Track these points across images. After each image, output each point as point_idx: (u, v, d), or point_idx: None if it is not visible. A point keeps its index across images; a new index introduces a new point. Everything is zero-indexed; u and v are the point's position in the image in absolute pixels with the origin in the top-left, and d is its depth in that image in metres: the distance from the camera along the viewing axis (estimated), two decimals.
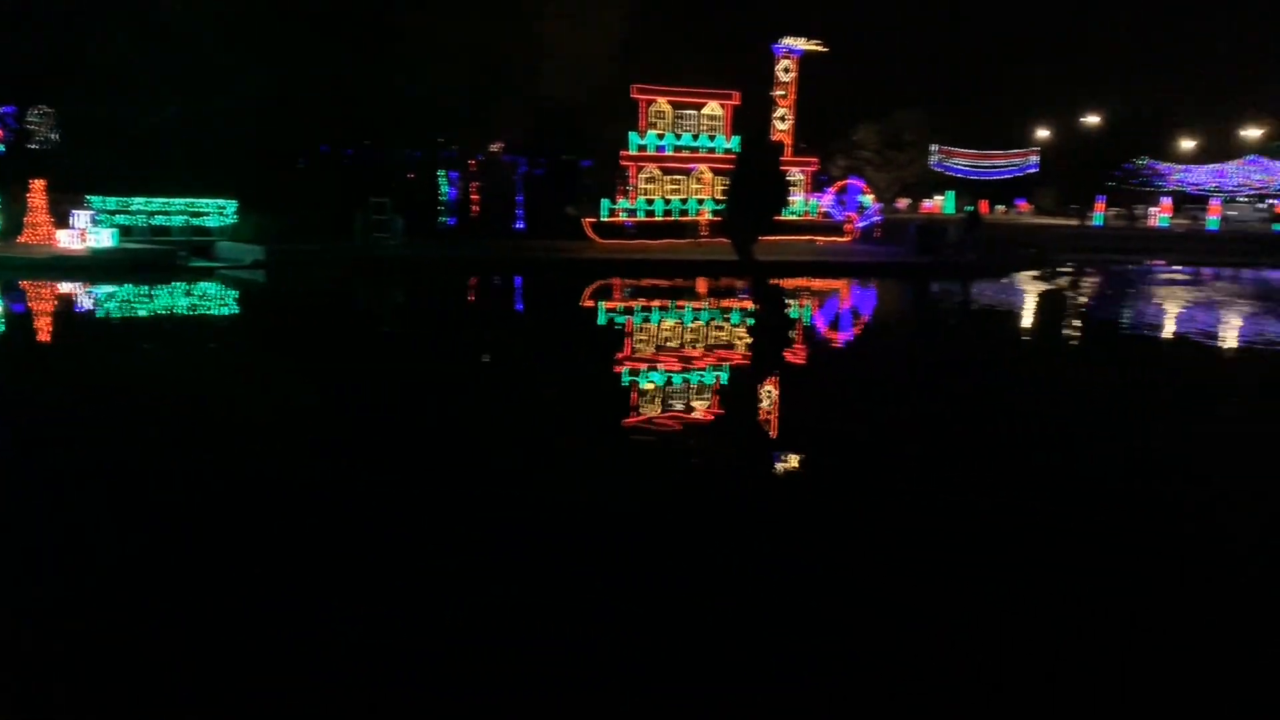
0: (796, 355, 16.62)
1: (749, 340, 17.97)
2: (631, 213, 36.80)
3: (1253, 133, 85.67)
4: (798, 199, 39.84)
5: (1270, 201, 75.09)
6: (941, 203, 77.15)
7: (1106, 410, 12.77)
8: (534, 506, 8.01)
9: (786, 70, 39.93)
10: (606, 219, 36.33)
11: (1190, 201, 74.57)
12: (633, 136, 37.38)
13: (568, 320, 21.22)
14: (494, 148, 50.55)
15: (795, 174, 40.05)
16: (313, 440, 10.27)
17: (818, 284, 28.83)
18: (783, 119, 40.14)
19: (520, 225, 39.10)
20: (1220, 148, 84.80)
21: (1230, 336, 20.25)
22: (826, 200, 40.74)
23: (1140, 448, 10.72)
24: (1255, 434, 11.69)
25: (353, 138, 44.87)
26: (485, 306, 24.12)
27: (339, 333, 18.61)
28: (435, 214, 39.01)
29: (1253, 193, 75.02)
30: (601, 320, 21.17)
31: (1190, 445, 11.12)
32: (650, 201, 37.18)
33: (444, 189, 39.90)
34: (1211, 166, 76.05)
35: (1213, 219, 60.54)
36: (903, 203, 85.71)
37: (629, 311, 22.25)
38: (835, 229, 39.97)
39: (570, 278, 27.90)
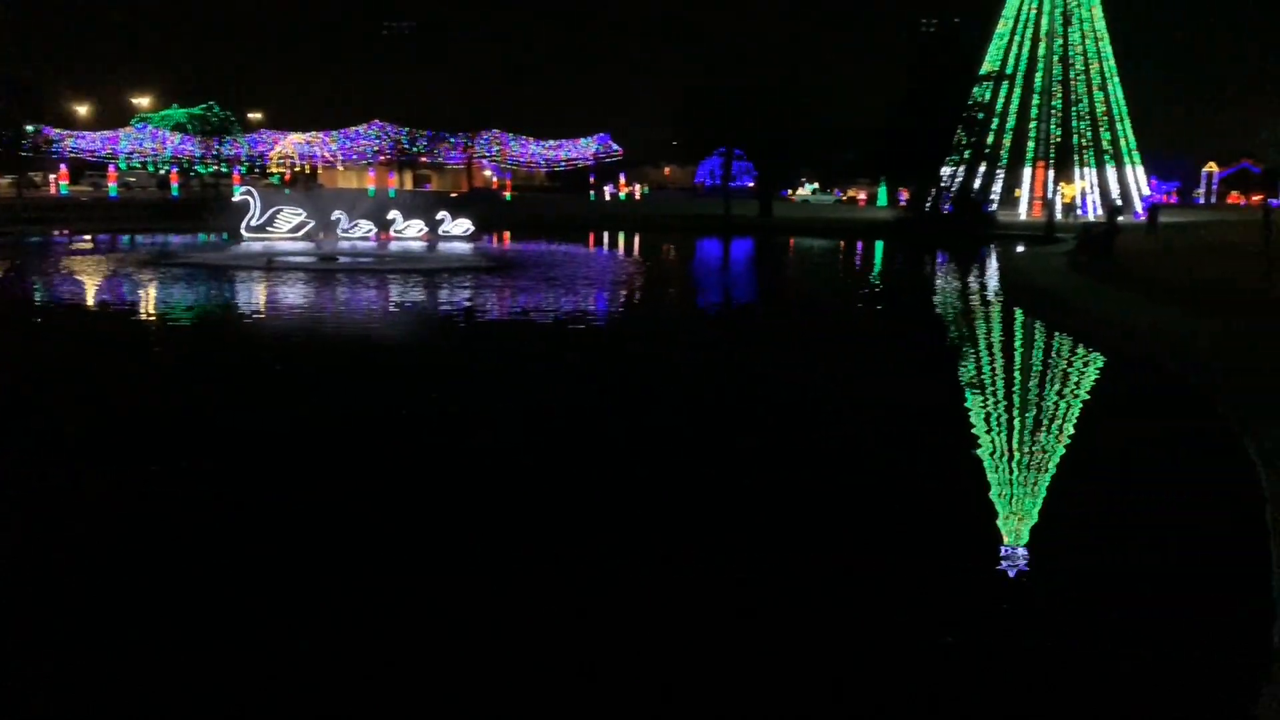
0: None
1: None
2: None
3: (143, 100, 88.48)
4: None
5: (165, 168, 78.50)
6: None
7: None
8: None
9: None
10: None
11: (91, 168, 73.41)
12: None
13: None
14: None
15: None
16: None
17: None
18: None
19: None
20: (114, 114, 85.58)
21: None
22: None
23: None
24: None
25: None
26: None
27: None
28: None
29: (144, 160, 77.20)
30: None
31: None
32: None
33: None
34: (105, 133, 75.79)
35: (113, 186, 60.61)
36: None
37: None
38: None
39: None
